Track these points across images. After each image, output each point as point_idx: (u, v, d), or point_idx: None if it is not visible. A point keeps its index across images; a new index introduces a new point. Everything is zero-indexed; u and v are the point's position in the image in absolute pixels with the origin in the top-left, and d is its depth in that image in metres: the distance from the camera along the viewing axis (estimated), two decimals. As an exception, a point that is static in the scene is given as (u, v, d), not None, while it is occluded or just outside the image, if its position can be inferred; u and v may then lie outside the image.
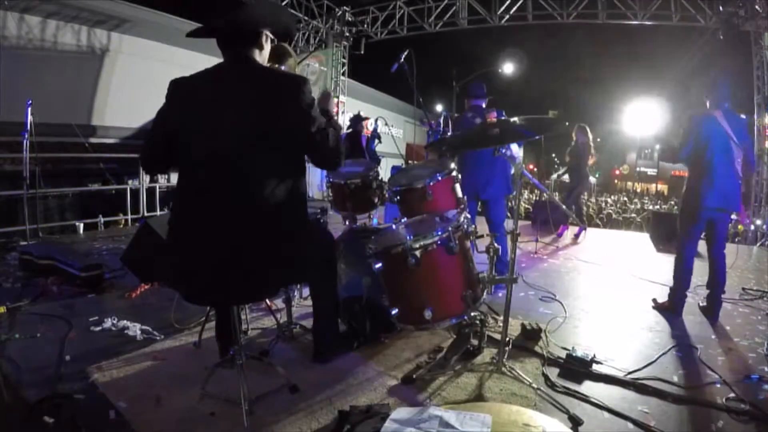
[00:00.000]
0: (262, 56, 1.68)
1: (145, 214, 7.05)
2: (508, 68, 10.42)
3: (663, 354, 2.36)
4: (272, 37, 1.70)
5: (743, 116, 3.17)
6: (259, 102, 1.50)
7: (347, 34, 11.98)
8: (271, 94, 1.51)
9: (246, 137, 1.49)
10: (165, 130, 1.59)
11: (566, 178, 7.05)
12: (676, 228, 3.19)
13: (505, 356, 2.07)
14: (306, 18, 11.83)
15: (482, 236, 2.16)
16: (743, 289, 3.73)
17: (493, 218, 3.48)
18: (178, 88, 1.58)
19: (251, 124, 1.49)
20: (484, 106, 3.52)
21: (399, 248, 1.87)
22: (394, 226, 2.26)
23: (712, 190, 2.90)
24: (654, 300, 3.23)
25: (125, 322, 2.52)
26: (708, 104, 3.05)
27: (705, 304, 3.08)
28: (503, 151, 2.19)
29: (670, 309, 3.05)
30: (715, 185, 2.90)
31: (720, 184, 2.90)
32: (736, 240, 10.12)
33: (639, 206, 16.54)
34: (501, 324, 2.18)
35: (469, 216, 2.10)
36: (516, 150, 3.33)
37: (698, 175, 2.97)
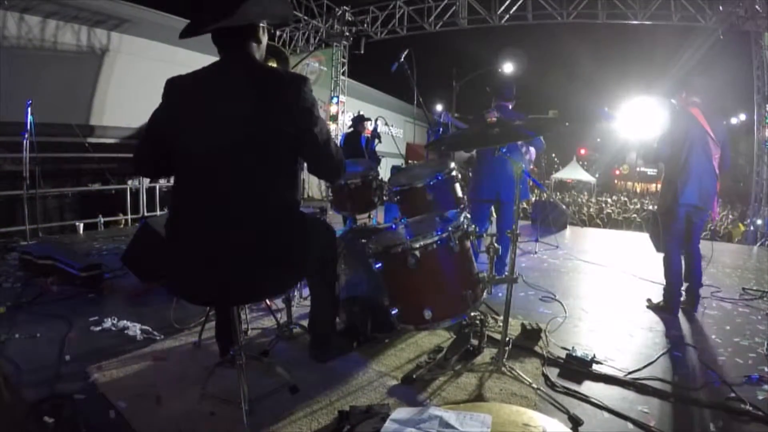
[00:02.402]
0: (260, 50, 1.64)
1: (145, 214, 7.07)
2: (507, 68, 10.42)
3: (663, 354, 2.36)
4: (268, 27, 1.65)
5: (722, 115, 3.18)
6: (259, 101, 1.48)
7: (347, 33, 11.97)
8: (271, 94, 1.50)
9: (245, 137, 1.47)
10: (162, 129, 1.56)
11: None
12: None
13: (505, 356, 2.07)
14: (306, 18, 11.84)
15: (482, 236, 2.16)
16: (743, 289, 3.73)
17: (506, 218, 3.49)
18: (174, 86, 1.56)
19: (250, 124, 1.48)
20: (510, 107, 3.52)
21: (399, 248, 1.87)
22: (394, 226, 2.26)
23: (690, 188, 2.90)
24: (648, 300, 3.23)
25: (125, 322, 2.52)
26: (683, 101, 3.05)
27: (684, 297, 3.11)
28: (503, 150, 2.18)
29: (666, 309, 3.05)
30: (692, 182, 2.90)
31: (697, 181, 2.90)
32: (736, 240, 10.14)
33: (639, 206, 16.55)
34: (501, 324, 2.18)
35: (469, 216, 2.09)
36: (534, 153, 3.34)
37: (676, 172, 2.96)
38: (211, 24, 1.51)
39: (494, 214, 3.80)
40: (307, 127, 1.54)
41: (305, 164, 1.67)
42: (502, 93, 3.56)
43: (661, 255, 3.14)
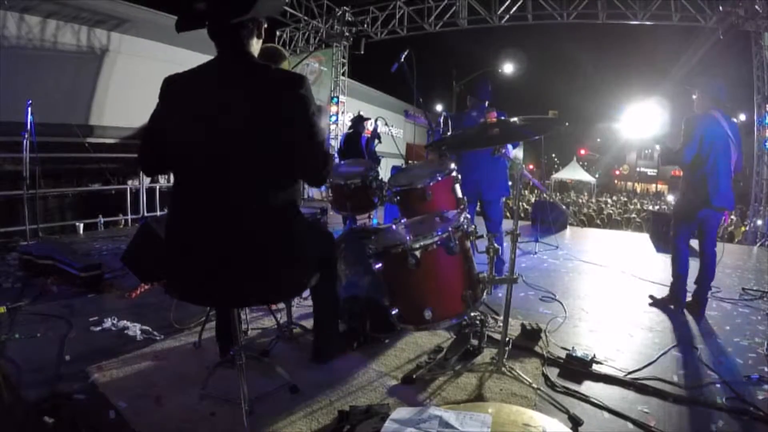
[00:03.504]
0: (259, 45, 1.62)
1: (145, 214, 7.06)
2: (507, 68, 10.44)
3: (663, 354, 2.36)
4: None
5: (733, 118, 3.20)
6: (257, 101, 1.47)
7: (347, 34, 11.97)
8: (268, 93, 1.48)
9: (242, 137, 1.46)
10: (161, 129, 1.55)
11: None
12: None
13: (505, 356, 2.07)
14: (306, 18, 11.84)
15: (482, 236, 2.16)
16: (743, 289, 3.73)
17: (493, 217, 3.50)
18: (172, 85, 1.54)
19: (248, 123, 1.46)
20: (486, 105, 3.53)
21: (399, 248, 1.87)
22: (394, 226, 2.26)
23: (714, 190, 2.93)
24: (651, 297, 3.23)
25: (125, 322, 2.52)
26: (706, 105, 3.06)
27: (691, 299, 3.11)
28: (503, 151, 2.19)
29: (672, 302, 3.06)
30: (718, 185, 2.93)
31: (721, 183, 2.93)
32: (736, 241, 10.14)
33: (639, 206, 16.55)
34: (501, 324, 2.18)
35: (469, 216, 2.09)
36: (511, 149, 3.34)
37: (700, 175, 2.98)
38: (229, 17, 1.48)
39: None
40: (300, 128, 1.50)
41: None
42: (476, 92, 3.55)
43: (661, 255, 3.15)
